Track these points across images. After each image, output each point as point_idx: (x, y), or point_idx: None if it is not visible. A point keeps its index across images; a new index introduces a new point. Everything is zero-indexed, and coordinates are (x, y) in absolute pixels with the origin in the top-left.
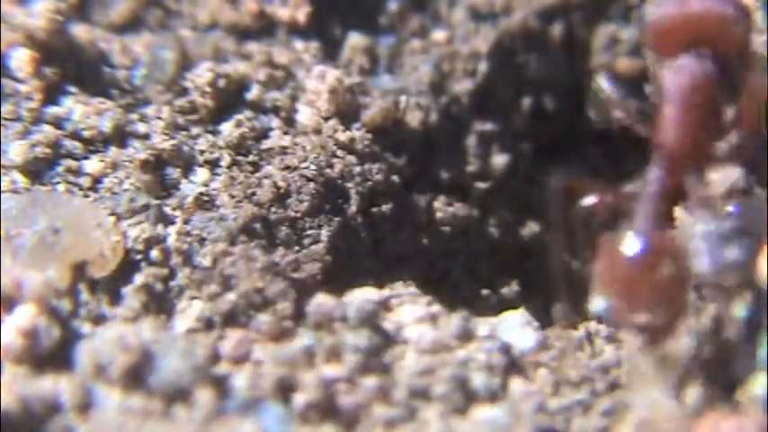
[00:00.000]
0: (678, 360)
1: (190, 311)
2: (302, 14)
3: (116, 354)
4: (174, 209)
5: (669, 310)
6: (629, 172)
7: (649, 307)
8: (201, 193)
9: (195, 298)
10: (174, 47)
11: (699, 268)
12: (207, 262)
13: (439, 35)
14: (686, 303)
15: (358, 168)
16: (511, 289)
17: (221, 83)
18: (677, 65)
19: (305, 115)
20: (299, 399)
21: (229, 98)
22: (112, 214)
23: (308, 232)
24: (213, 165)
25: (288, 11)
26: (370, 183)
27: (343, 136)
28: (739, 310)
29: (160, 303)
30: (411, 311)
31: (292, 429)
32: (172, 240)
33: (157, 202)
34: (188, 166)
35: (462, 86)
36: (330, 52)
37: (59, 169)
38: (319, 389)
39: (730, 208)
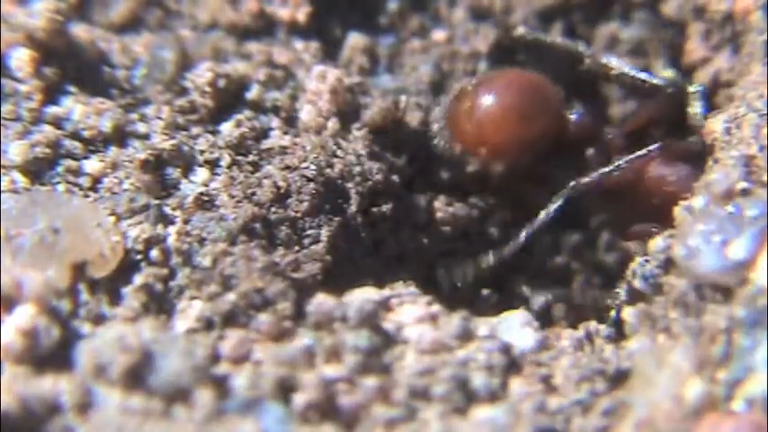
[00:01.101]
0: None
1: (190, 311)
2: (302, 14)
3: (116, 354)
4: (173, 209)
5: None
6: None
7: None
8: (201, 193)
9: (195, 298)
10: (174, 47)
11: (699, 268)
12: (207, 262)
13: (439, 35)
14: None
15: (358, 168)
16: (511, 289)
17: (221, 83)
18: None
19: (305, 115)
20: (299, 399)
21: (229, 98)
22: (112, 214)
23: (308, 232)
24: (213, 165)
25: (288, 11)
26: (370, 183)
27: (343, 136)
28: (738, 310)
29: (160, 303)
30: (411, 311)
31: (292, 429)
32: (172, 240)
33: (157, 202)
34: (188, 166)
35: None
36: (330, 52)
37: (59, 169)
38: (319, 389)
39: (730, 208)
